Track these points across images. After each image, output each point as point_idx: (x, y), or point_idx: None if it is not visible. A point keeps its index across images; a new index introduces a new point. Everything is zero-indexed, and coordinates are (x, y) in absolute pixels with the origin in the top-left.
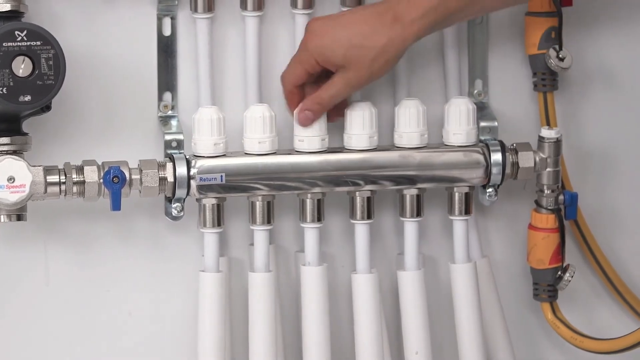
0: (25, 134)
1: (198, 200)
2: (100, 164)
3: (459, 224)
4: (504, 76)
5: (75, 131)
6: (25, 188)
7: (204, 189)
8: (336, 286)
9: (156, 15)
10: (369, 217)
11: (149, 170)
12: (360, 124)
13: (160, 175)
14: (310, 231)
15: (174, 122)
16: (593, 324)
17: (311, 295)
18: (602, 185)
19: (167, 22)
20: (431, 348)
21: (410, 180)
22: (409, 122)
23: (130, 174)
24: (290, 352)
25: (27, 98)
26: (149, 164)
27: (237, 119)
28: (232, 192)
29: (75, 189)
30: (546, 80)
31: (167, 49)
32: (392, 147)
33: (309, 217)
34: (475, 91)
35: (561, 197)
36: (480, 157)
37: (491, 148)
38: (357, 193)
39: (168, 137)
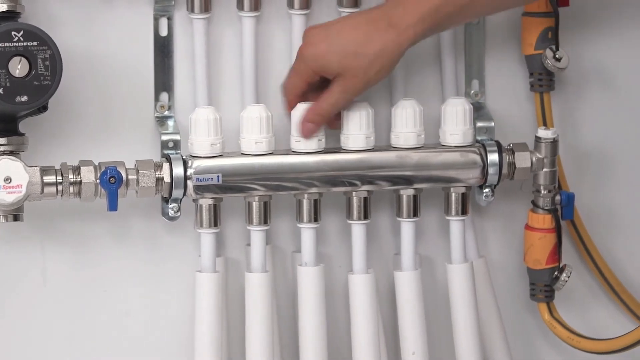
0: (22, 135)
1: (195, 200)
2: (96, 164)
3: (455, 224)
4: (501, 76)
5: (72, 131)
6: (21, 188)
7: (200, 189)
8: (333, 286)
9: (153, 15)
10: (365, 217)
11: (145, 171)
12: (357, 124)
13: (156, 176)
14: (307, 231)
15: (170, 123)
16: (590, 324)
17: (308, 296)
18: (599, 186)
19: (163, 22)
20: (428, 348)
21: (407, 181)
22: (406, 122)
23: (126, 175)
24: (287, 353)
25: (24, 98)
26: (146, 164)
27: (233, 119)
28: (229, 193)
29: (72, 189)
30: (543, 80)
31: (163, 49)
32: (389, 147)
33: (305, 217)
34: (472, 91)
35: (558, 198)
36: (477, 158)
37: (488, 148)
38: (353, 193)
39: (165, 138)
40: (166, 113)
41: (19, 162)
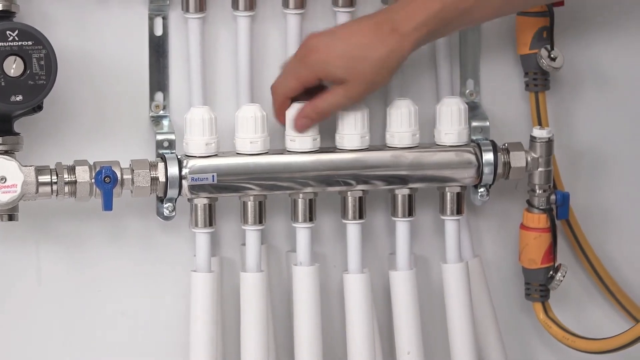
0: (17, 134)
1: (190, 200)
2: (91, 164)
3: (450, 223)
4: (496, 76)
5: (67, 131)
6: (16, 188)
7: (195, 188)
8: (328, 286)
9: (148, 15)
10: (360, 217)
11: (140, 170)
12: (352, 124)
13: (151, 175)
14: (302, 231)
15: (165, 122)
16: (585, 323)
17: (303, 295)
18: (594, 185)
19: (158, 22)
20: (423, 348)
21: (402, 180)
22: (401, 122)
23: (121, 174)
24: (282, 352)
25: (19, 98)
26: (141, 163)
27: (228, 119)
28: (224, 192)
29: (66, 189)
30: (538, 80)
31: (158, 48)
32: (384, 147)
33: (300, 217)
34: (467, 91)
35: (553, 197)
36: (472, 157)
37: (483, 148)
38: (348, 193)
39: (160, 137)
40: (161, 112)
41: (14, 162)
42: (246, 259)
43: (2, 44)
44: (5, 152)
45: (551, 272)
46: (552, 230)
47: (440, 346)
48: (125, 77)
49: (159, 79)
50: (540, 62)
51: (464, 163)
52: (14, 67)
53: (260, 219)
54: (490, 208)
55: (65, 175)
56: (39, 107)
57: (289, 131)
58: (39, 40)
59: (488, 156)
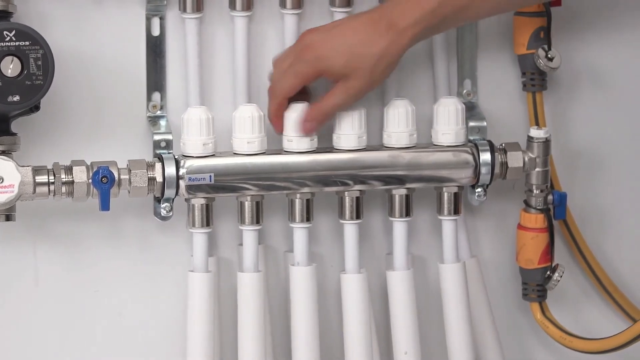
0: (14, 134)
1: (187, 200)
2: (89, 164)
3: (447, 223)
4: (493, 76)
5: (64, 131)
6: (13, 188)
7: (192, 189)
8: (325, 286)
9: (145, 15)
10: (358, 217)
11: (137, 171)
12: (349, 124)
13: (149, 175)
14: (299, 231)
15: (162, 122)
16: (582, 323)
17: (300, 295)
18: (591, 185)
19: (155, 22)
20: (420, 348)
21: (399, 180)
22: (398, 122)
23: (119, 174)
24: (280, 352)
25: (16, 98)
26: (138, 164)
27: (226, 119)
28: (221, 192)
29: (64, 189)
30: (535, 80)
31: (155, 49)
32: (381, 147)
33: (298, 217)
34: (464, 91)
35: (550, 197)
36: (469, 157)
37: (480, 148)
38: (346, 193)
39: (157, 137)
40: (158, 113)
41: (11, 162)
42: (243, 259)
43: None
44: (3, 153)
45: (548, 272)
46: (550, 230)
47: (438, 346)
48: (123, 77)
49: (156, 79)
50: (537, 62)
51: (461, 163)
52: (11, 67)
53: (257, 219)
54: (487, 208)
55: (63, 176)
56: (36, 108)
57: (287, 131)
58: (36, 40)
59: (485, 156)
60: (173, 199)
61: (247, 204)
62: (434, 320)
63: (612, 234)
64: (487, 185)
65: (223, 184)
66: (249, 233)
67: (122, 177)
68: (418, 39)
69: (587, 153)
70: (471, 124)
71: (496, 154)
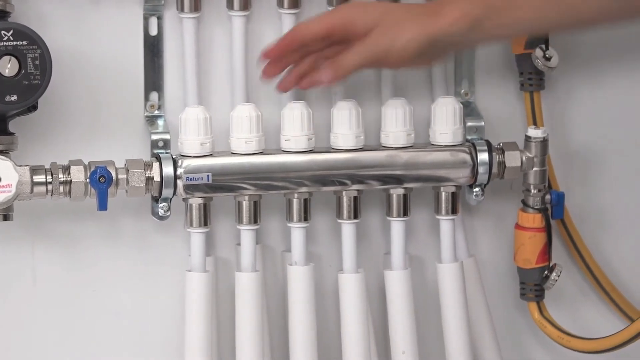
0: (12, 134)
1: (184, 200)
2: (86, 163)
3: (445, 223)
4: (491, 76)
5: (62, 131)
6: (11, 188)
7: (190, 188)
8: (323, 286)
9: (142, 14)
10: (355, 216)
11: (135, 170)
12: (346, 124)
13: (146, 175)
14: (297, 231)
15: (160, 122)
16: (580, 323)
17: (298, 295)
18: (589, 185)
19: (153, 21)
20: (418, 348)
21: (397, 180)
22: (396, 121)
23: (116, 174)
24: (277, 352)
25: (14, 98)
26: (136, 163)
27: (223, 119)
28: (219, 192)
29: (61, 188)
30: (533, 79)
31: (153, 48)
32: (379, 146)
33: (295, 216)
34: (462, 90)
35: (548, 197)
36: (467, 157)
37: (478, 147)
38: (343, 193)
39: (154, 137)
40: (156, 112)
41: (9, 162)
42: (241, 258)
43: None
44: (0, 152)
45: (546, 272)
46: (547, 230)
47: (435, 346)
48: (120, 76)
49: (153, 78)
50: (535, 62)
51: (458, 163)
52: (8, 67)
53: (255, 218)
54: (485, 208)
55: (60, 175)
56: (34, 107)
57: (284, 131)
58: (34, 40)
59: (483, 156)
60: (171, 199)
61: (244, 204)
62: (432, 320)
63: (609, 233)
64: (485, 185)
65: (221, 183)
66: (247, 233)
67: (119, 176)
68: (459, 32)
69: (585, 152)
70: (469, 123)
71: (494, 153)
